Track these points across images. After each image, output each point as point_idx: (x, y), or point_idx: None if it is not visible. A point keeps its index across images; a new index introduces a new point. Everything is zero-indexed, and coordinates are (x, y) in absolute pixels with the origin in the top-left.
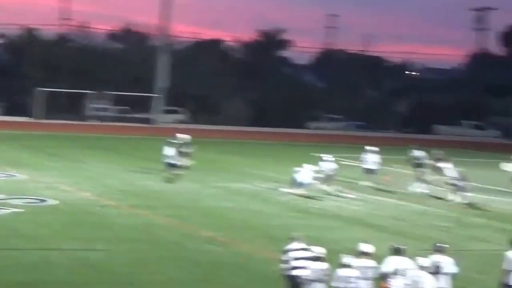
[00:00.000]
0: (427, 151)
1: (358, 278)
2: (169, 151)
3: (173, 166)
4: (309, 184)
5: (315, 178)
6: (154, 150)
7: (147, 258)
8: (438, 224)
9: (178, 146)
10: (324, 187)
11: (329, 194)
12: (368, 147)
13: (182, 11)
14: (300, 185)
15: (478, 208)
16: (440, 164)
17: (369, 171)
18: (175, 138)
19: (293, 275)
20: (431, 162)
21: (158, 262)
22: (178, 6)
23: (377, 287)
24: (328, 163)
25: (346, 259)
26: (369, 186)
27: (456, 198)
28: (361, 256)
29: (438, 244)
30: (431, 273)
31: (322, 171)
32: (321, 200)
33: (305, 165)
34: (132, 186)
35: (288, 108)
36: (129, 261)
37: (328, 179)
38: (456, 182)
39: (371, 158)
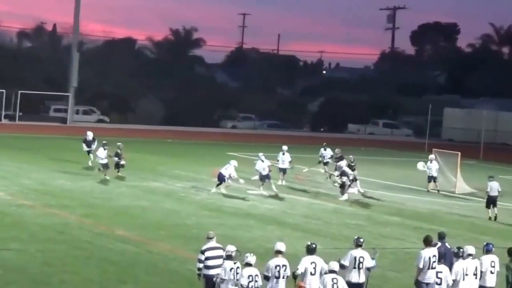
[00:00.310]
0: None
1: (259, 276)
2: (101, 153)
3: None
4: (237, 180)
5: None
6: (68, 150)
7: (62, 258)
8: (351, 222)
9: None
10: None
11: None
12: (283, 146)
13: (95, 9)
14: (225, 180)
15: (388, 206)
16: (339, 162)
17: (282, 170)
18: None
19: (209, 274)
20: (333, 160)
21: (73, 261)
22: (90, 4)
23: (293, 286)
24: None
25: (250, 257)
26: (283, 185)
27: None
28: (276, 254)
29: (358, 239)
30: (353, 268)
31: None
32: (240, 199)
33: (232, 161)
34: (47, 186)
35: (202, 107)
36: (44, 260)
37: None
38: (344, 179)
39: (285, 158)
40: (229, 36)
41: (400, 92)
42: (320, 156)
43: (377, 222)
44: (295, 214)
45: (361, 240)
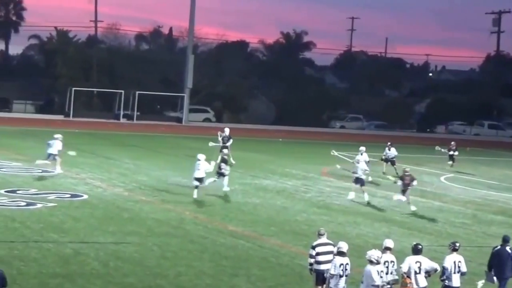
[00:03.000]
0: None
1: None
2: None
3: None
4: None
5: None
6: (181, 147)
7: (177, 252)
8: (456, 220)
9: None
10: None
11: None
12: (361, 147)
13: (209, 13)
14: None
15: (493, 206)
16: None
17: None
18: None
19: (319, 269)
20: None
21: (188, 255)
22: (204, 9)
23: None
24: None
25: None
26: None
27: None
28: (385, 251)
29: (454, 243)
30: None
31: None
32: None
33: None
34: (163, 182)
35: (312, 107)
36: (160, 254)
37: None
38: None
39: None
40: (338, 39)
41: (504, 94)
42: (384, 155)
43: (482, 221)
44: (402, 212)
45: (457, 244)
